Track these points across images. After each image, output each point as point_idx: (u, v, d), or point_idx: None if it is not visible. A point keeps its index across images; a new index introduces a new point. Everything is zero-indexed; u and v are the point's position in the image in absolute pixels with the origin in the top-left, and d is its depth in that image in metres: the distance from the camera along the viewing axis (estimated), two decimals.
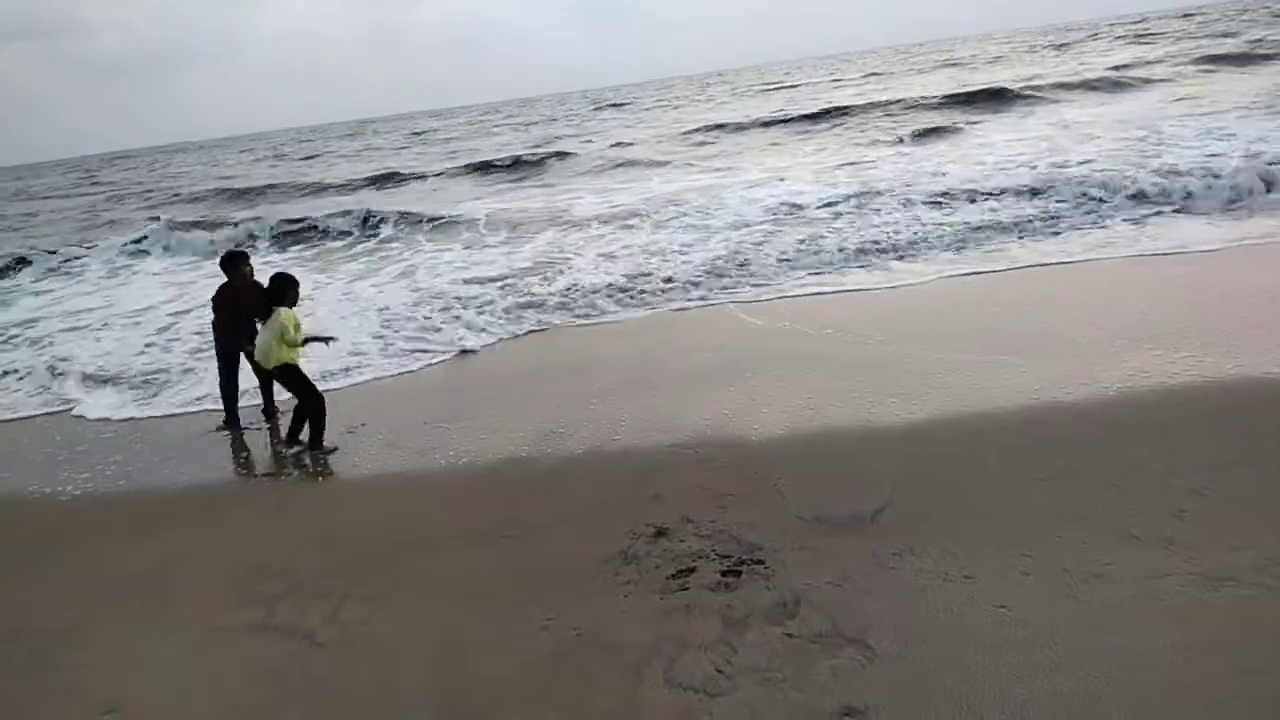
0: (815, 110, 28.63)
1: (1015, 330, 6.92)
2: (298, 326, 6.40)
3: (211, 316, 7.40)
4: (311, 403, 6.39)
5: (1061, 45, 49.91)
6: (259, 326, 6.67)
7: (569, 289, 10.35)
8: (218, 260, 7.67)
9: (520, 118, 63.23)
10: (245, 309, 7.10)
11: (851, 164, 17.84)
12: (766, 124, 28.23)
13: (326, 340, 6.97)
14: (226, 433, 7.14)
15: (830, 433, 5.40)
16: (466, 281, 11.52)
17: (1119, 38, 48.11)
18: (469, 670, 3.55)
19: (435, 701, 3.38)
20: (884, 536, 4.06)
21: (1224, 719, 2.81)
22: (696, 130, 29.36)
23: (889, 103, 27.96)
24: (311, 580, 4.44)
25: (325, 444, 6.35)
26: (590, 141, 31.62)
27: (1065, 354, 6.17)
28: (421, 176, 27.08)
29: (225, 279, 7.34)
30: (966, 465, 4.71)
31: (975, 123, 22.04)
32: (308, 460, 6.23)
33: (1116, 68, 28.77)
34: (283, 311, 6.35)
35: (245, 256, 7.49)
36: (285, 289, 6.45)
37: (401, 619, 4.00)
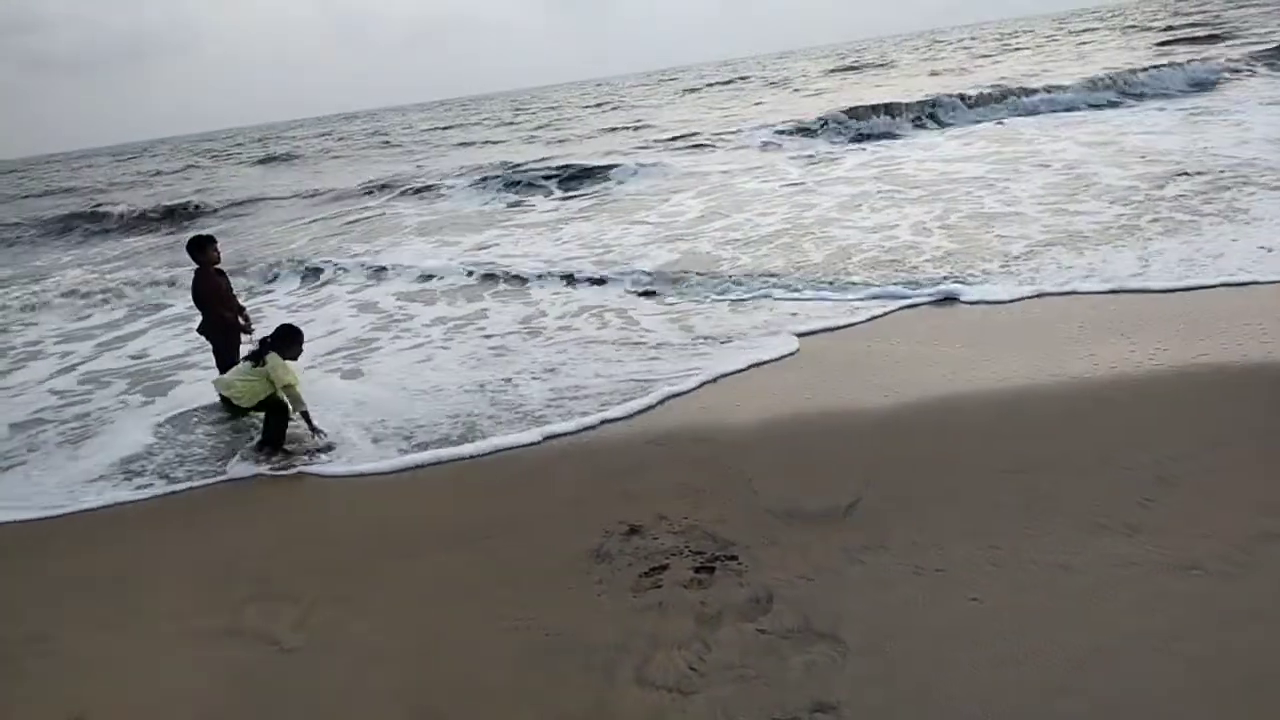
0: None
1: (981, 325, 6.98)
2: (289, 385, 6.23)
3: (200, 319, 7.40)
4: (279, 414, 6.30)
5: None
6: (247, 368, 6.38)
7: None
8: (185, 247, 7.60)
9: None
10: (222, 292, 7.29)
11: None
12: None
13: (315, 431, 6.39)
14: (226, 414, 7.12)
15: (802, 428, 5.41)
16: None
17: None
18: (438, 673, 3.52)
19: (404, 705, 3.35)
20: (856, 531, 4.07)
21: (1190, 707, 2.83)
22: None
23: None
24: (282, 583, 4.39)
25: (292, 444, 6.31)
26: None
27: (1031, 346, 6.23)
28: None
29: (195, 264, 7.34)
30: (936, 458, 4.74)
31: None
32: (280, 462, 6.14)
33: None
34: (278, 365, 6.22)
35: (213, 240, 7.48)
36: (292, 340, 6.39)
37: (372, 621, 3.95)
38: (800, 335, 7.26)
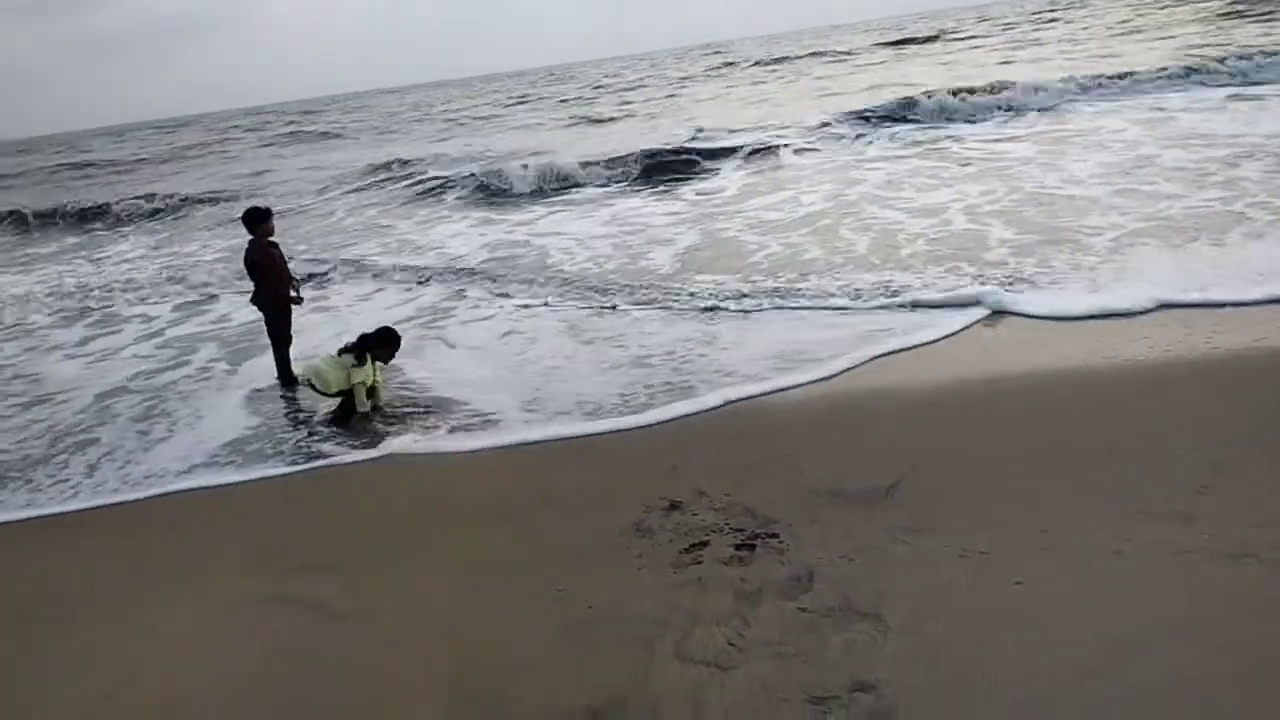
0: None
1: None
2: (367, 383, 6.40)
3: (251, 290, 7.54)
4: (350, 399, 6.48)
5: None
6: (335, 358, 6.46)
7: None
8: (241, 218, 7.74)
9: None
10: (276, 263, 7.41)
11: None
12: None
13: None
14: (280, 390, 7.36)
15: (847, 407, 5.37)
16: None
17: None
18: (480, 642, 3.57)
19: (447, 673, 3.40)
20: (899, 511, 4.03)
21: (1240, 695, 2.77)
22: None
23: None
24: (329, 552, 4.49)
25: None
26: None
27: (1082, 327, 6.09)
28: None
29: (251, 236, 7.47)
30: (983, 440, 4.67)
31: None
32: (330, 436, 6.25)
33: None
34: (367, 368, 6.39)
35: (269, 212, 7.66)
36: (387, 344, 6.56)
37: (416, 591, 4.03)
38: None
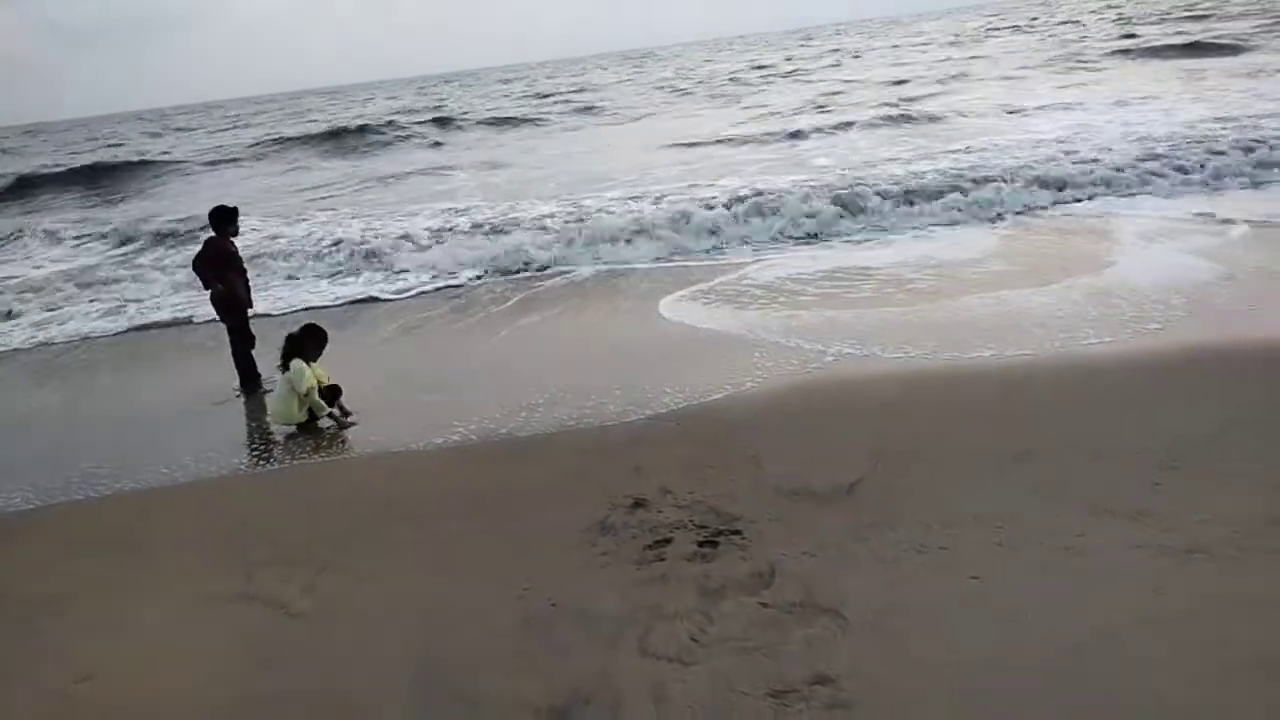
0: None
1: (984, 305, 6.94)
2: (311, 389, 6.10)
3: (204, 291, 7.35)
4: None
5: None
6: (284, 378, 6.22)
7: None
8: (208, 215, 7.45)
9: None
10: (231, 260, 7.20)
11: None
12: None
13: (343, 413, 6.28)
14: (240, 396, 7.15)
15: (809, 405, 5.42)
16: None
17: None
18: (445, 639, 3.55)
19: (411, 669, 3.39)
20: (860, 508, 4.08)
21: (1195, 690, 2.83)
22: None
23: None
24: (292, 549, 4.43)
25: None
26: None
27: (1035, 326, 6.21)
28: None
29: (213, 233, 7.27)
30: (944, 439, 4.74)
31: None
32: (292, 434, 6.17)
33: None
34: (302, 370, 6.09)
35: (237, 212, 7.42)
36: (304, 341, 6.24)
37: (379, 588, 4.00)
38: None
